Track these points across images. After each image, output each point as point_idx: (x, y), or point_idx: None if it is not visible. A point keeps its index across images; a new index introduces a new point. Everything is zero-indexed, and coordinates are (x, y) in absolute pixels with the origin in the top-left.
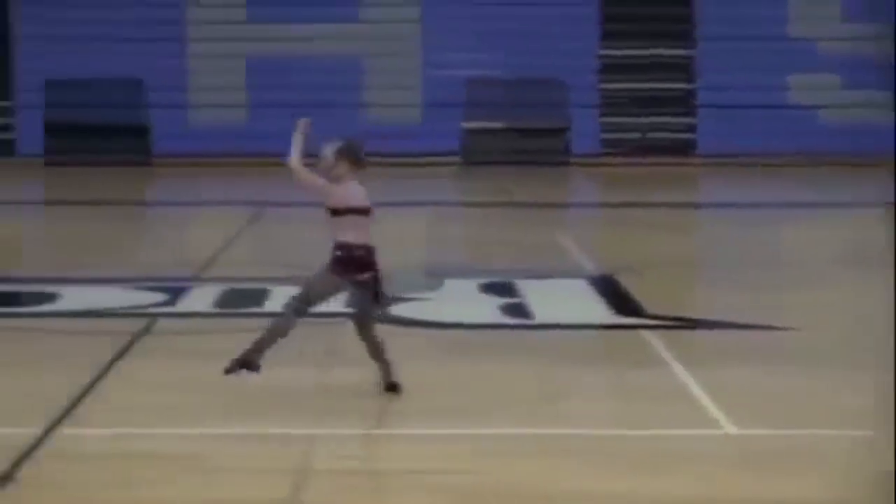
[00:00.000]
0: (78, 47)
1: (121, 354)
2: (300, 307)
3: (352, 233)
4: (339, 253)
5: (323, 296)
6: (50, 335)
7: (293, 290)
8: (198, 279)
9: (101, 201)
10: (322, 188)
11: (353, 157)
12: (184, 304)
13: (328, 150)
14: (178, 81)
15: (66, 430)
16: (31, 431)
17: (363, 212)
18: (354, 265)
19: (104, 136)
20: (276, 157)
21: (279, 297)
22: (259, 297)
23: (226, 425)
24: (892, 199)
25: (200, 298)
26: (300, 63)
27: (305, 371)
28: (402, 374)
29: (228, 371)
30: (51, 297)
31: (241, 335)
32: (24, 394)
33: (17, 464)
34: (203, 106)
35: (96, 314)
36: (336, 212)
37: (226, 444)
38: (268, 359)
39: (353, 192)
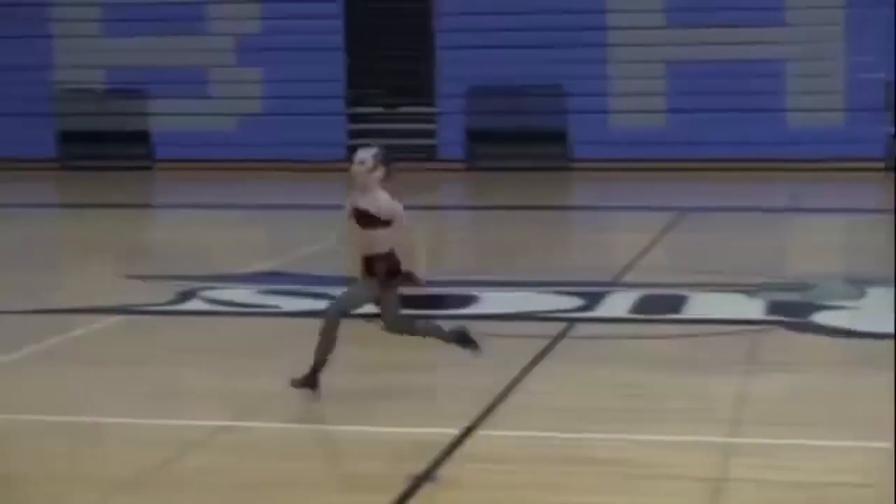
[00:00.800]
0: (500, 55)
1: (539, 358)
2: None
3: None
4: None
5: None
6: None
7: (712, 297)
8: (615, 284)
9: (519, 206)
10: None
11: (389, 165)
12: (601, 310)
13: (367, 154)
14: (597, 87)
15: (484, 432)
16: (451, 432)
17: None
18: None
19: (524, 142)
20: (694, 163)
21: (697, 304)
22: (676, 303)
23: (644, 431)
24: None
25: (617, 304)
26: (721, 68)
27: (725, 378)
28: (821, 385)
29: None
30: (471, 300)
31: (656, 341)
32: (443, 394)
33: (437, 464)
34: (622, 112)
35: (515, 317)
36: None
37: (645, 449)
38: (681, 365)
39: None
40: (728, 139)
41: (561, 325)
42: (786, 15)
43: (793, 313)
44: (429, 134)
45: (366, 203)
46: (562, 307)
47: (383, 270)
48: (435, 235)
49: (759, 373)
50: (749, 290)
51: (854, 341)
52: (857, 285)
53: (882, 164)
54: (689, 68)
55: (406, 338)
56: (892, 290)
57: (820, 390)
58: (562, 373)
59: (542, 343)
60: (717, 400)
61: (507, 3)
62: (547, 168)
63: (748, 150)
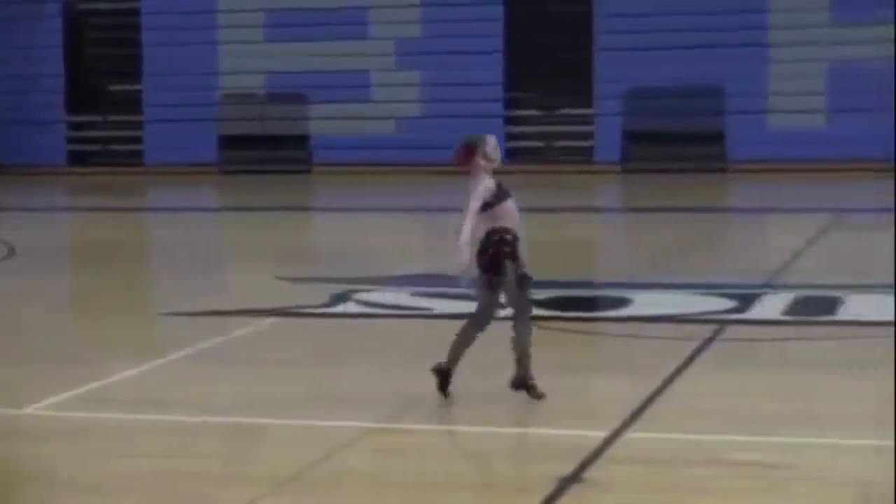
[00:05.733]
0: (657, 56)
1: (690, 360)
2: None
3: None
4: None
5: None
6: (621, 339)
7: (867, 298)
8: (769, 286)
9: (675, 208)
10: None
11: None
12: (754, 311)
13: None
14: (758, 87)
15: (633, 434)
16: (599, 434)
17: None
18: None
19: (681, 144)
20: (854, 163)
21: (852, 306)
22: (831, 305)
23: (797, 434)
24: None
25: (771, 305)
26: (883, 66)
27: (877, 380)
28: None
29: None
30: (624, 302)
31: (809, 343)
32: (593, 397)
33: (585, 465)
34: (781, 111)
35: (668, 319)
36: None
37: (799, 453)
38: (836, 367)
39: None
40: (888, 139)
41: (714, 328)
42: None
43: None
44: (586, 136)
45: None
46: (714, 308)
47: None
48: (590, 237)
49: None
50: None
51: None
52: None
53: None
54: (850, 67)
55: (567, 339)
56: None
57: None
58: (713, 375)
59: (694, 345)
60: (871, 402)
61: (666, 4)
62: (704, 169)
63: None
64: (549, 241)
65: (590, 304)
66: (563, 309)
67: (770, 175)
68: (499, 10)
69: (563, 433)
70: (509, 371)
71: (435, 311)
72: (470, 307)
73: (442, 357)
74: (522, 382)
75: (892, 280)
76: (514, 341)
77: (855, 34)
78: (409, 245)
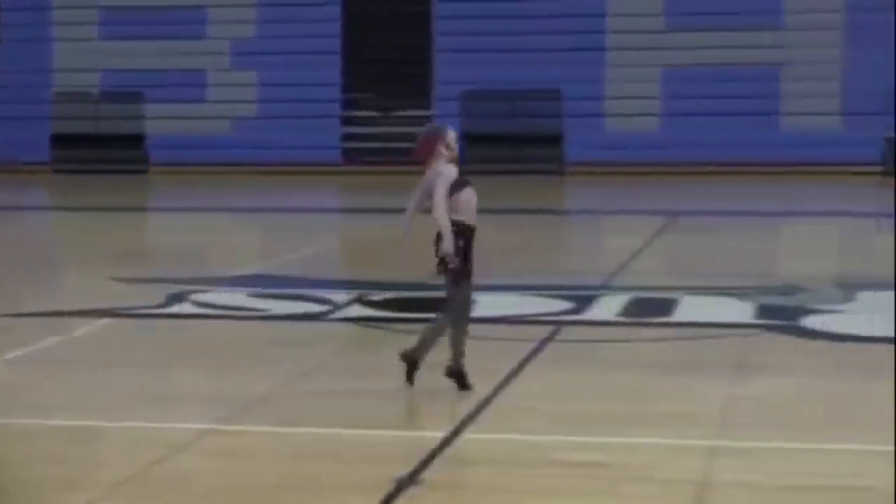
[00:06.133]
0: (496, 58)
1: (526, 361)
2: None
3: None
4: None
5: None
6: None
7: (702, 300)
8: (606, 287)
9: (513, 210)
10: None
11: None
12: (590, 313)
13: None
14: (595, 91)
15: (471, 435)
16: (437, 435)
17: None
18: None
19: (519, 146)
20: (688, 166)
21: (687, 307)
22: (667, 306)
23: (630, 434)
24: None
25: (607, 307)
26: (717, 71)
27: (713, 381)
28: (809, 388)
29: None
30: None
31: (644, 344)
32: (431, 397)
33: (422, 466)
34: (617, 115)
35: (505, 320)
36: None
37: (631, 452)
38: (671, 368)
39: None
40: (722, 143)
41: (550, 329)
42: (784, 18)
43: (782, 317)
44: None
45: None
46: (552, 310)
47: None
48: (427, 238)
49: (748, 376)
50: (739, 293)
51: (843, 345)
52: (847, 289)
53: (879, 169)
54: (684, 72)
55: (403, 340)
56: (883, 293)
57: (808, 394)
58: (549, 376)
59: (531, 346)
60: (704, 403)
61: (504, 7)
62: (542, 171)
63: (742, 153)
64: (386, 242)
65: (428, 305)
66: (401, 310)
67: (607, 177)
68: (336, 11)
69: (400, 434)
70: (361, 374)
71: (271, 312)
72: (307, 307)
73: (276, 357)
74: (456, 372)
75: (726, 282)
76: (451, 331)
77: (688, 39)
78: (245, 245)
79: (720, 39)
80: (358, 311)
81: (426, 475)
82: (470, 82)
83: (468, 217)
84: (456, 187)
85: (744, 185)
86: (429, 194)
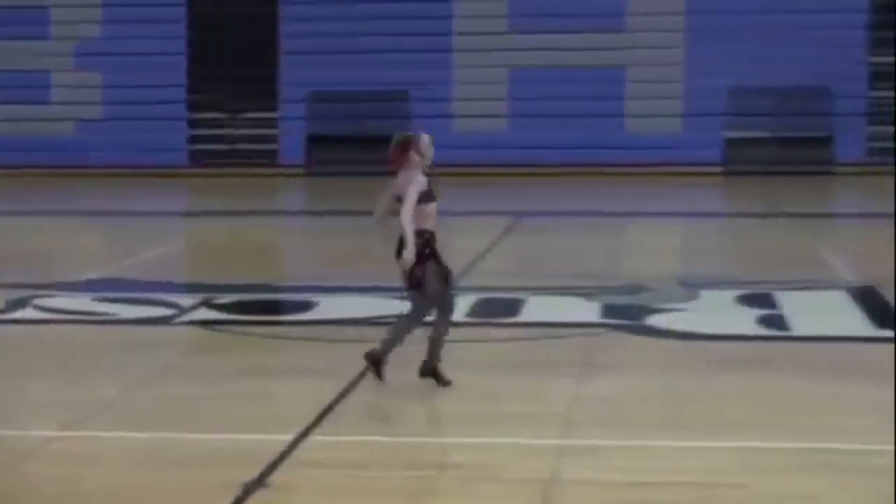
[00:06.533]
0: (344, 60)
1: None
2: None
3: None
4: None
5: None
6: (306, 342)
7: (548, 300)
8: (451, 288)
9: (361, 211)
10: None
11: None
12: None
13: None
14: (442, 92)
15: (318, 437)
16: (284, 438)
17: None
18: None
19: (365, 147)
20: (534, 168)
21: (534, 307)
22: (514, 307)
23: (478, 434)
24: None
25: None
26: (562, 73)
27: (560, 381)
28: (655, 386)
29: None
30: (309, 306)
31: (492, 345)
32: (278, 401)
33: (270, 469)
34: (465, 116)
35: (352, 322)
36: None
37: (479, 452)
38: (518, 368)
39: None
40: (568, 144)
41: None
42: (626, 21)
43: (627, 316)
44: (270, 139)
45: None
46: (397, 312)
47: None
48: (274, 240)
49: (594, 375)
50: (585, 293)
51: (687, 343)
52: (691, 288)
53: (720, 169)
54: (530, 74)
55: (250, 343)
56: (725, 292)
57: (654, 392)
58: (395, 377)
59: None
60: (551, 402)
61: (352, 8)
62: (389, 173)
63: (588, 154)
64: (233, 245)
65: (274, 307)
66: (247, 313)
67: (454, 178)
68: (181, 12)
69: (248, 438)
70: (208, 378)
71: (117, 317)
72: (153, 312)
73: (122, 362)
74: (431, 371)
75: (572, 282)
76: (432, 331)
77: (534, 41)
78: (90, 249)
79: (565, 42)
80: (204, 314)
81: (274, 478)
82: (317, 84)
83: (432, 225)
84: (425, 198)
85: (589, 186)
86: (398, 198)
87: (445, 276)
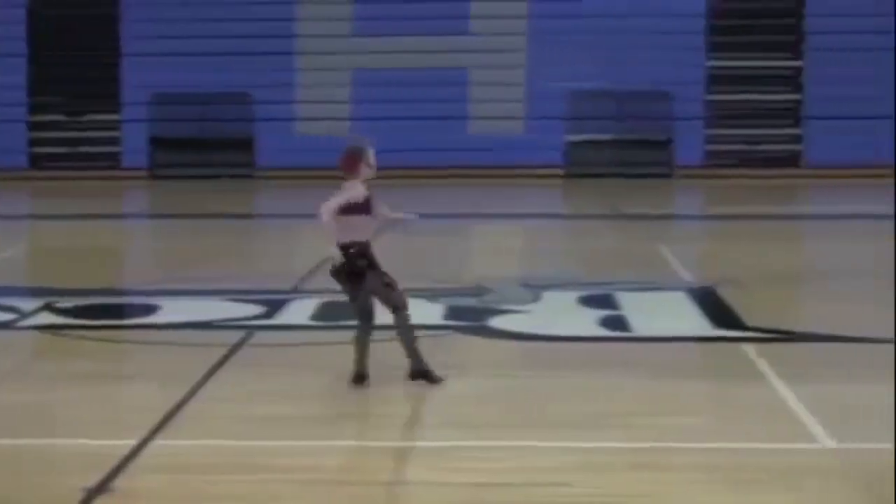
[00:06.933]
0: (187, 62)
1: (218, 366)
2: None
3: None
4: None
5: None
6: (149, 346)
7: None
8: (296, 292)
9: (204, 214)
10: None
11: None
12: (281, 317)
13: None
14: (285, 95)
15: (161, 442)
16: (127, 443)
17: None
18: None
19: (209, 150)
20: (378, 170)
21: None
22: None
23: (322, 437)
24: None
25: (298, 311)
26: (406, 76)
27: (403, 382)
28: (498, 387)
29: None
30: (152, 309)
31: (336, 348)
32: (121, 405)
33: (113, 475)
34: (308, 119)
35: (195, 326)
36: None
37: (323, 455)
38: (368, 370)
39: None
40: (409, 146)
41: (241, 334)
42: (470, 24)
43: (470, 318)
44: (113, 141)
45: None
46: (243, 315)
47: None
48: (116, 244)
49: (447, 378)
50: (429, 295)
51: (529, 344)
52: (533, 289)
53: (561, 171)
54: (373, 76)
55: (92, 348)
56: (567, 293)
57: (498, 393)
58: (239, 381)
59: (222, 352)
60: (396, 404)
61: (194, 10)
62: (234, 176)
63: (430, 157)
64: (75, 249)
65: (116, 311)
66: (89, 317)
67: (299, 182)
68: (21, 13)
69: (90, 443)
70: (49, 383)
71: None
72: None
73: None
74: (419, 372)
75: (414, 284)
76: (399, 338)
77: (377, 44)
78: None
79: (408, 44)
80: (46, 318)
81: (117, 483)
82: (159, 86)
83: (364, 236)
84: (357, 209)
85: (433, 189)
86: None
87: (388, 282)
